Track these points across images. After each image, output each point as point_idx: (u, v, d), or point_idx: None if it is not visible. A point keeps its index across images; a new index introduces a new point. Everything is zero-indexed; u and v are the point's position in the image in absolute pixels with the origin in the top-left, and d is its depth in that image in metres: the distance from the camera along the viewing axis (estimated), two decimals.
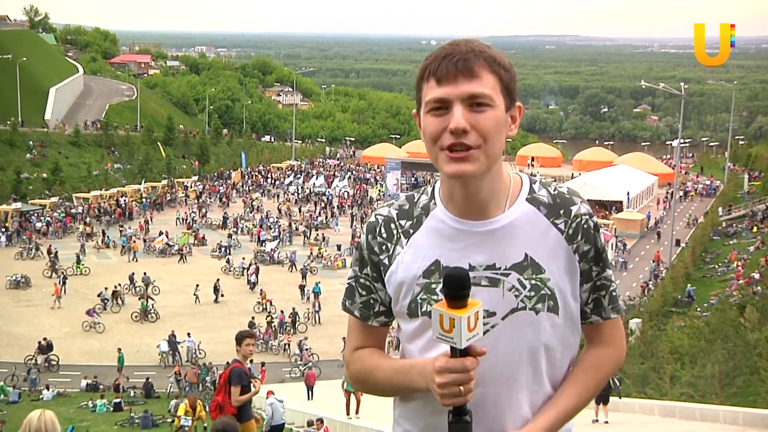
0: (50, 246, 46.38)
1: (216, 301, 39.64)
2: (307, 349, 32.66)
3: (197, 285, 39.89)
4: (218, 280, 40.86)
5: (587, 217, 2.15)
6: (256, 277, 42.68)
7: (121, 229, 52.21)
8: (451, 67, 1.98)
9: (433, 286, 2.12)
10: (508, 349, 2.10)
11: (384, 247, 2.22)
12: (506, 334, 2.09)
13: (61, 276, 40.48)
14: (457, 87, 1.98)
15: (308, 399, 26.69)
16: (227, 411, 8.90)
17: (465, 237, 2.12)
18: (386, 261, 2.22)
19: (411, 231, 2.19)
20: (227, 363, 9.06)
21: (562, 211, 2.13)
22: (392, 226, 2.22)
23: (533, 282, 2.09)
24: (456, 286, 1.85)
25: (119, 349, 31.35)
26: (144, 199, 62.15)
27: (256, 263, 45.22)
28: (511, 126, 2.09)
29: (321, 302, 37.66)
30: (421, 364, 2.07)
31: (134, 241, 49.08)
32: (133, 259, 46.78)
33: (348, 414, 20.84)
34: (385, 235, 2.22)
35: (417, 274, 2.15)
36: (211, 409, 8.99)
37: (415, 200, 2.23)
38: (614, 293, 2.22)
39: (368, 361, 2.30)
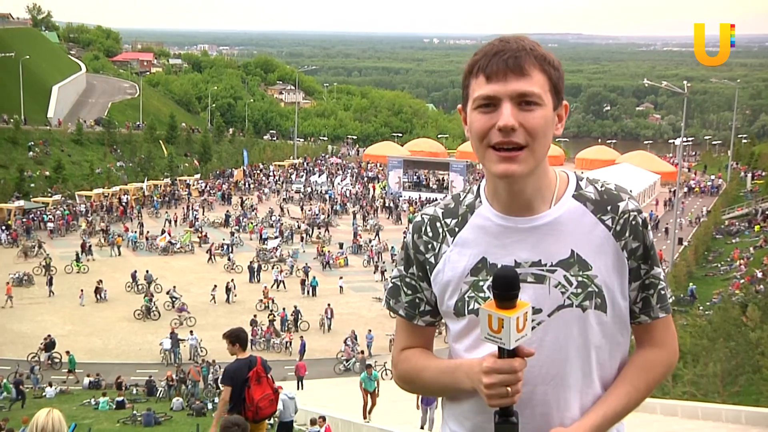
0: (83, 242, 47.42)
1: (228, 301, 39.48)
2: (348, 345, 32.71)
3: (215, 285, 39.71)
4: (232, 280, 40.75)
5: (635, 213, 2.11)
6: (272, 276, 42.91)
7: (105, 229, 51.62)
8: (502, 65, 1.96)
9: (481, 283, 2.11)
10: (554, 347, 2.08)
11: (430, 246, 2.21)
12: (552, 332, 2.07)
13: (48, 277, 40.23)
14: (507, 84, 1.96)
15: (298, 389, 26.90)
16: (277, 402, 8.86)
17: (510, 234, 2.10)
18: (432, 260, 2.21)
19: (457, 229, 2.18)
20: (250, 358, 8.86)
21: (609, 208, 2.11)
22: (438, 224, 2.21)
23: (580, 279, 2.07)
24: (506, 287, 1.84)
25: (68, 352, 30.96)
26: (153, 198, 62.26)
27: (259, 261, 45.25)
28: (558, 125, 2.08)
29: (333, 309, 36.82)
30: (468, 364, 2.05)
31: (118, 236, 49.59)
32: (117, 254, 47.39)
33: (365, 416, 20.60)
34: (431, 234, 2.21)
35: (464, 272, 2.14)
36: (266, 406, 8.76)
37: (461, 199, 2.22)
38: (663, 292, 2.18)
39: (415, 362, 2.29)
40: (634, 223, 2.11)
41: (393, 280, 2.33)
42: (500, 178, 2.01)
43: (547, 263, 2.07)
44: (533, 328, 2.04)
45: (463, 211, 2.19)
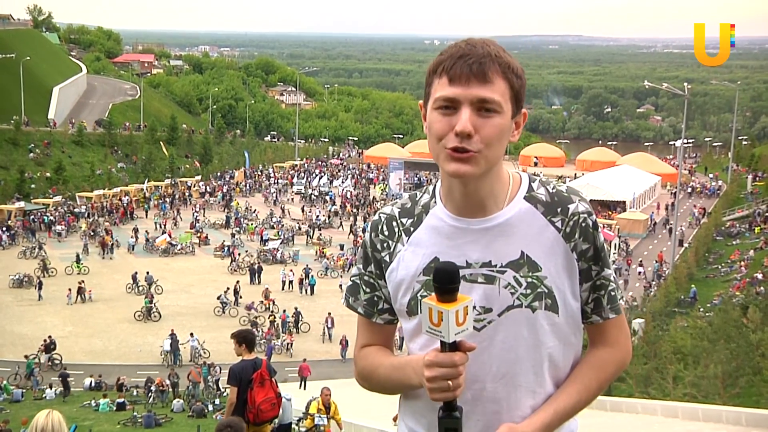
0: (102, 239, 48.20)
1: (236, 303, 39.36)
2: None
3: (227, 288, 39.49)
4: (237, 282, 40.52)
5: (585, 215, 2.14)
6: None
7: (92, 233, 51.05)
8: (466, 69, 1.98)
9: None
10: (504, 346, 2.11)
11: (386, 245, 2.25)
12: (503, 331, 2.10)
13: (38, 281, 39.90)
14: (469, 89, 1.98)
15: (301, 389, 26.95)
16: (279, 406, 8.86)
17: (462, 234, 2.13)
18: (387, 258, 2.24)
19: (412, 229, 2.21)
20: (256, 359, 8.86)
21: (559, 209, 2.13)
22: (394, 224, 2.25)
23: (529, 280, 2.10)
24: (445, 280, 1.87)
25: (26, 356, 30.63)
26: (152, 200, 62.33)
27: (259, 262, 45.26)
28: (514, 132, 2.10)
29: (334, 319, 35.72)
30: (416, 360, 2.08)
31: (106, 235, 49.67)
32: (107, 256, 47.42)
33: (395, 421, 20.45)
34: (387, 233, 2.25)
35: (417, 271, 2.17)
36: (268, 409, 8.76)
37: (417, 199, 2.26)
38: (613, 293, 2.20)
39: (371, 359, 2.33)
40: (584, 225, 2.13)
41: (352, 278, 2.37)
42: (452, 177, 2.04)
43: (497, 264, 2.11)
44: (484, 327, 2.09)
45: (419, 211, 2.22)
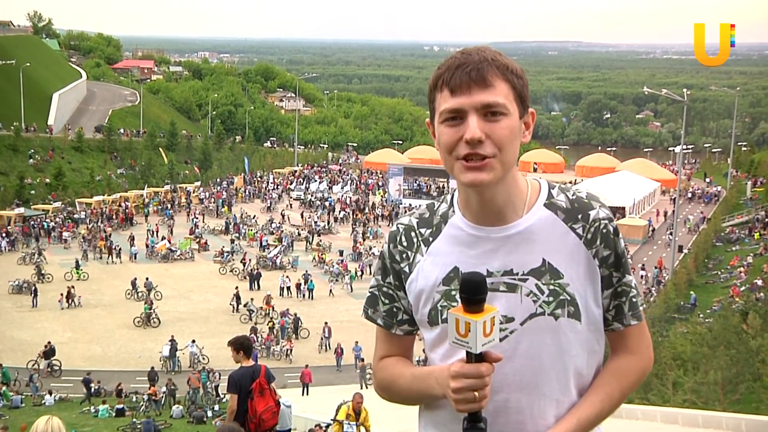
0: (110, 245, 48.34)
1: (237, 309, 39.14)
2: None
3: (233, 295, 39.37)
4: (237, 287, 40.43)
5: (606, 221, 2.12)
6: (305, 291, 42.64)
7: (84, 239, 50.77)
8: (465, 77, 1.98)
9: (453, 293, 2.12)
10: (527, 355, 2.09)
11: (405, 256, 2.23)
12: (525, 340, 2.08)
13: (33, 288, 39.65)
14: (472, 97, 1.97)
15: (303, 395, 26.87)
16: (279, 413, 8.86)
17: (482, 243, 2.11)
18: (407, 269, 2.23)
19: (431, 239, 2.20)
20: (255, 366, 8.85)
21: (580, 216, 2.12)
22: (413, 234, 2.23)
23: (551, 287, 2.08)
24: (472, 291, 1.85)
25: (0, 365, 30.62)
26: (150, 206, 62.32)
27: (258, 268, 45.23)
28: (525, 132, 2.09)
29: (331, 328, 35.46)
30: (439, 370, 2.07)
31: (102, 240, 49.72)
32: (114, 261, 47.61)
33: None
34: (405, 244, 2.24)
35: (437, 281, 2.16)
36: (269, 418, 8.76)
37: (435, 208, 2.24)
38: (634, 299, 2.19)
39: (391, 370, 2.31)
40: (605, 231, 2.12)
41: (371, 290, 2.35)
42: (469, 187, 2.03)
43: (518, 272, 2.09)
44: (506, 337, 2.07)
45: (438, 221, 2.21)
